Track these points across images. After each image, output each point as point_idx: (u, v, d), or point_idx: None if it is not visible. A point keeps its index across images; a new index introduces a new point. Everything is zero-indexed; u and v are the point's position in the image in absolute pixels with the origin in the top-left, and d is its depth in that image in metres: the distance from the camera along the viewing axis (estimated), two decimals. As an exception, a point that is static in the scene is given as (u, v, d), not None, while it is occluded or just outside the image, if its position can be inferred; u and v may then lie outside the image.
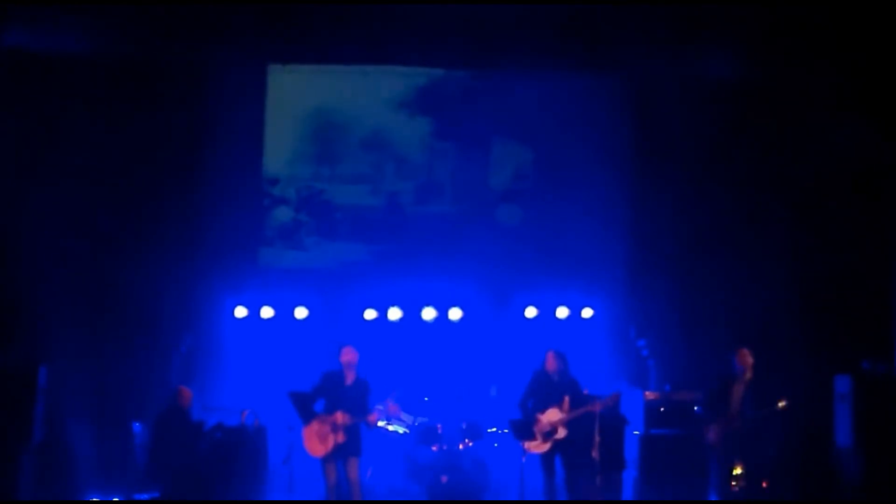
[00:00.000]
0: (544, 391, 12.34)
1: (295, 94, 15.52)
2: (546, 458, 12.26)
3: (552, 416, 12.20)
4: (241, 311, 14.95)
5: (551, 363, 12.39)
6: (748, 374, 12.27)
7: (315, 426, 12.06)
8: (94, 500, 12.77)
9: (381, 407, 12.59)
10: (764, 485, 12.33)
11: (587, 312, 15.06)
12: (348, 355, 12.18)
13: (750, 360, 12.33)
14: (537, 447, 12.26)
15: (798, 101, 14.03)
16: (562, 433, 12.17)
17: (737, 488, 12.18)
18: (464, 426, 13.82)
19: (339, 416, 12.02)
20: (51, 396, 12.90)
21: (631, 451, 13.25)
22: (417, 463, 13.78)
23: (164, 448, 12.59)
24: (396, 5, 13.86)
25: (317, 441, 12.06)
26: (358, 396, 12.15)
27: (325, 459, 12.09)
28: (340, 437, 12.03)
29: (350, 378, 12.17)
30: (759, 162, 14.49)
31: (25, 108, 13.92)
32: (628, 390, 13.34)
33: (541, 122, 15.33)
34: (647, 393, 13.57)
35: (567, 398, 12.19)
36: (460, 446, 13.73)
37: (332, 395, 12.13)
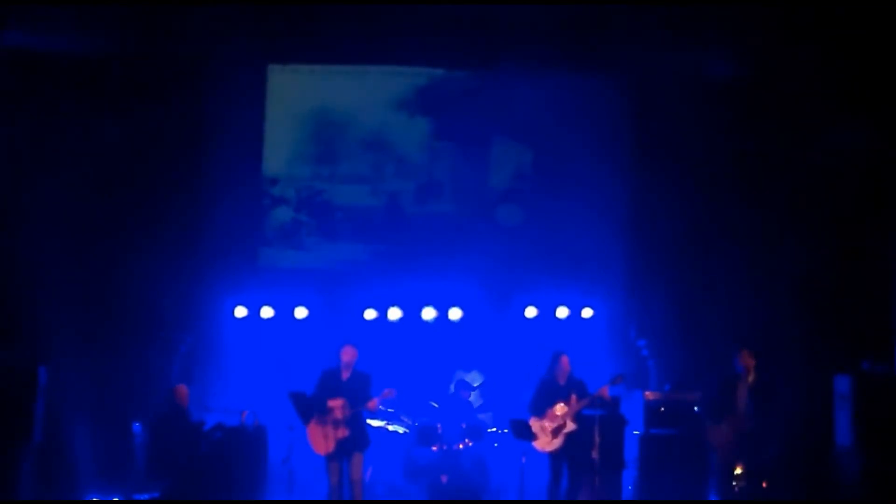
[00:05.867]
0: (553, 397, 12.39)
1: (295, 94, 15.52)
2: (555, 457, 12.30)
3: (559, 409, 12.25)
4: (241, 311, 14.95)
5: (566, 367, 12.40)
6: (751, 376, 12.28)
7: (317, 424, 12.10)
8: (94, 500, 12.77)
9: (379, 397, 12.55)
10: (764, 485, 12.33)
11: (587, 312, 15.05)
12: (347, 355, 12.27)
13: (752, 361, 12.34)
14: (548, 444, 12.28)
15: (798, 101, 14.01)
16: (570, 426, 12.22)
17: (737, 488, 12.19)
18: (464, 426, 13.83)
19: (338, 405, 12.02)
20: (51, 396, 12.90)
21: (631, 451, 13.25)
22: (417, 463, 13.79)
23: (164, 448, 12.58)
24: (396, 5, 13.87)
25: (321, 438, 12.09)
26: (356, 389, 12.19)
27: (330, 458, 12.11)
28: (343, 432, 12.06)
29: (346, 374, 12.26)
30: (759, 162, 14.49)
31: (25, 108, 13.92)
32: (628, 390, 13.33)
33: (541, 122, 15.31)
34: (647, 393, 13.57)
35: (574, 395, 12.25)
36: (460, 446, 13.74)
37: (330, 390, 12.20)
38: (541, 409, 12.38)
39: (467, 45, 14.70)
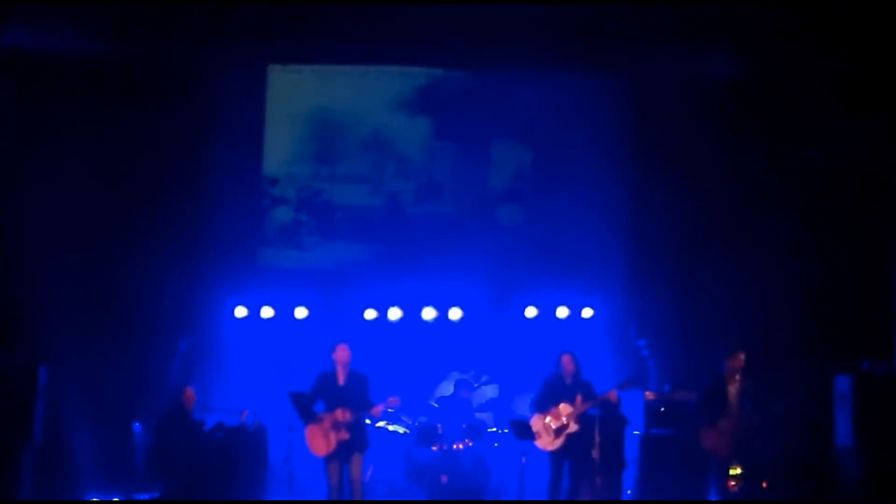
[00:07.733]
0: (558, 396, 12.42)
1: (295, 94, 15.51)
2: (557, 457, 12.32)
3: (563, 410, 12.30)
4: (241, 311, 14.94)
5: (568, 366, 12.48)
6: (736, 378, 12.30)
7: (317, 425, 12.10)
8: (94, 500, 12.77)
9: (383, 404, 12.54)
10: (764, 485, 12.33)
11: (587, 312, 15.05)
12: (340, 353, 12.25)
13: (738, 363, 12.35)
14: (550, 444, 12.34)
15: (798, 102, 14.02)
16: (574, 427, 12.27)
17: (736, 488, 12.19)
18: (464, 426, 13.82)
19: (340, 413, 12.04)
20: (51, 396, 12.90)
21: (631, 451, 13.25)
22: (417, 463, 13.79)
23: (166, 449, 12.57)
24: (396, 5, 13.86)
25: (320, 440, 12.09)
26: (355, 392, 12.17)
27: (329, 459, 12.12)
28: (343, 435, 12.06)
29: (342, 377, 12.24)
30: (759, 162, 14.48)
31: (25, 108, 13.92)
32: (627, 391, 13.33)
33: (541, 122, 15.31)
34: (647, 393, 13.57)
35: (580, 396, 12.28)
36: (460, 446, 13.74)
37: (328, 395, 12.19)
38: (544, 406, 12.44)
39: (467, 45, 14.69)
